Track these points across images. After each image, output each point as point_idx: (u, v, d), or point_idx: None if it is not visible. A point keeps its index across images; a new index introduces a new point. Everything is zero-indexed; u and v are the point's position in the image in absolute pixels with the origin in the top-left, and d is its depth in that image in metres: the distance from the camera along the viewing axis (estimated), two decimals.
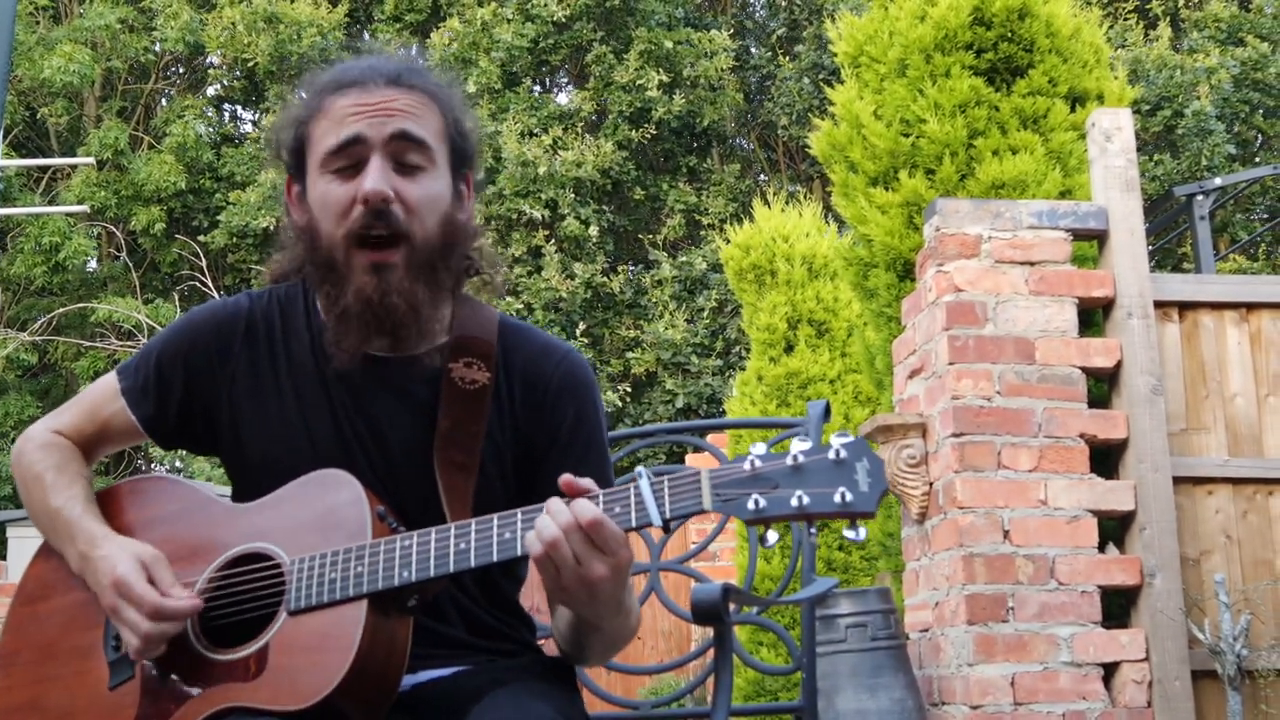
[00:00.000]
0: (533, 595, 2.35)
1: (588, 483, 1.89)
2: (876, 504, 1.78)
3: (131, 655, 2.01)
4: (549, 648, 2.29)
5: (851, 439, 1.82)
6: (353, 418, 2.15)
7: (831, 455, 1.81)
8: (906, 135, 5.82)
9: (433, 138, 2.14)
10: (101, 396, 2.28)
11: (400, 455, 2.13)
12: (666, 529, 1.88)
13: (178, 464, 17.93)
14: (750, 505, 1.80)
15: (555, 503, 1.87)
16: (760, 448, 1.84)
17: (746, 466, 1.82)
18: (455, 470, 2.11)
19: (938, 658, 5.00)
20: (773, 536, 1.81)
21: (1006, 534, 4.88)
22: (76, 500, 2.17)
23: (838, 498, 1.78)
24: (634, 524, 1.85)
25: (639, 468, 1.93)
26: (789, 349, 8.96)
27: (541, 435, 2.19)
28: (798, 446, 1.82)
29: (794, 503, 1.78)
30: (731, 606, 2.29)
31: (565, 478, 1.88)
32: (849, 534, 1.79)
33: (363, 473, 2.09)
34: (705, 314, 18.16)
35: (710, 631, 2.30)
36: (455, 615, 2.16)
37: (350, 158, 2.10)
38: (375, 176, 2.07)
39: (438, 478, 2.10)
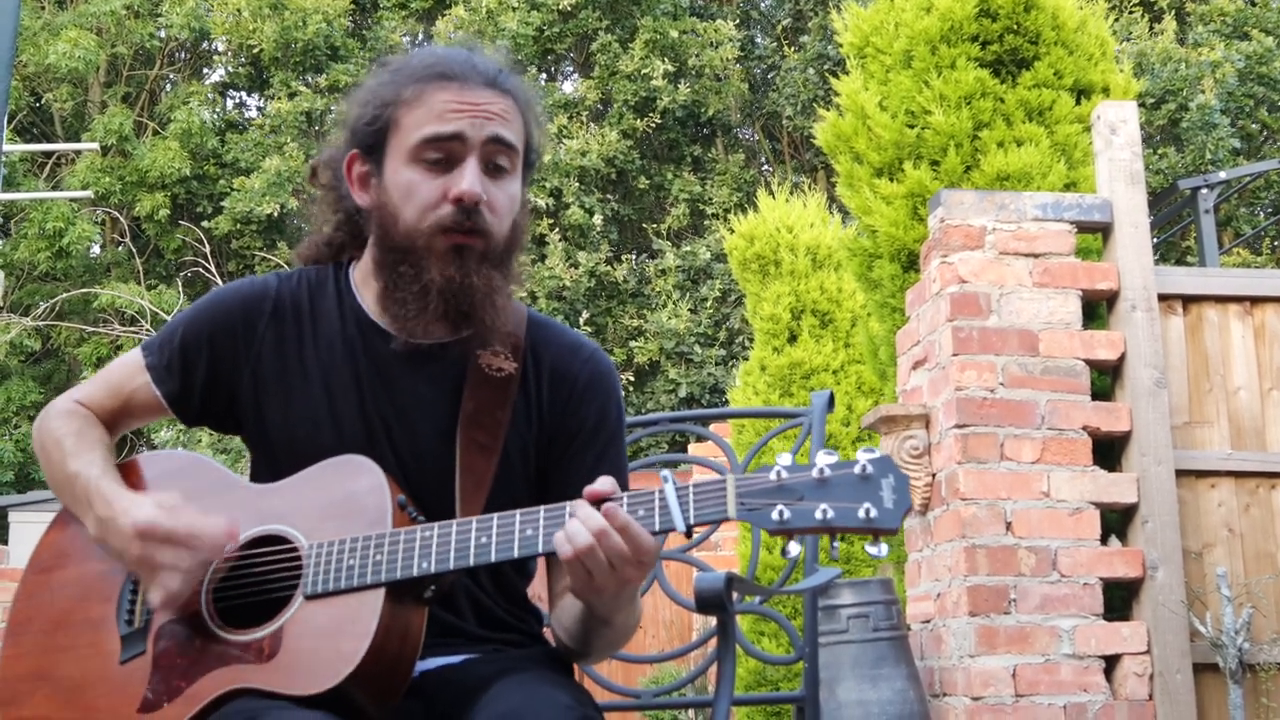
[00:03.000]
0: (536, 586, 2.35)
1: (610, 484, 1.90)
2: (900, 521, 1.79)
3: (165, 600, 1.99)
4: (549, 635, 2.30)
5: (878, 455, 1.83)
6: (380, 401, 2.16)
7: (858, 470, 1.81)
8: (912, 126, 5.81)
9: (519, 144, 2.18)
10: (126, 372, 2.27)
11: (425, 437, 2.15)
12: (689, 534, 1.89)
13: (179, 449, 17.92)
14: (775, 516, 1.81)
15: (584, 506, 1.88)
16: (786, 458, 1.84)
17: (772, 477, 1.83)
18: (477, 450, 2.12)
19: (939, 649, 5.00)
20: (795, 549, 1.82)
21: (1009, 525, 4.88)
22: (95, 464, 2.15)
23: (862, 513, 1.79)
24: (657, 528, 1.87)
25: (663, 472, 1.94)
26: (792, 339, 8.95)
27: (565, 429, 2.21)
28: (824, 460, 1.83)
29: (818, 516, 1.79)
30: (734, 596, 2.30)
31: (588, 490, 1.90)
32: (871, 550, 1.80)
33: (385, 455, 2.11)
34: (709, 304, 18.16)
35: (713, 621, 2.30)
36: (467, 606, 2.17)
37: (445, 152, 2.11)
38: (472, 178, 2.09)
39: (458, 456, 2.11)
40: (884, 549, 1.80)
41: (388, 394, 2.17)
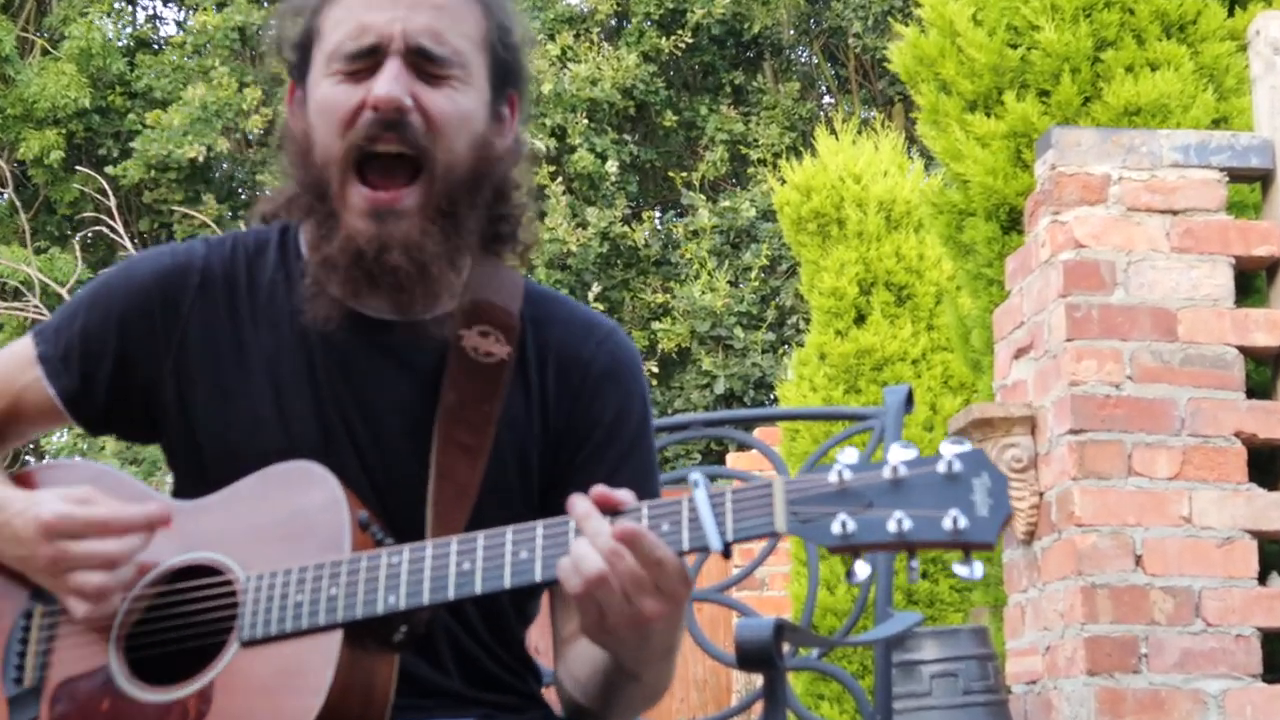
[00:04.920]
0: (532, 634, 2.34)
1: (625, 494, 1.89)
2: (997, 533, 1.76)
3: (87, 611, 2.00)
4: (550, 698, 2.29)
5: (968, 448, 1.80)
6: (339, 392, 2.16)
7: (942, 468, 1.78)
8: (1014, 46, 5.80)
9: (469, 46, 2.17)
10: (13, 365, 2.28)
11: (394, 437, 2.15)
12: (727, 554, 1.87)
13: (77, 459, 17.99)
14: (835, 529, 1.78)
15: (593, 519, 1.86)
16: (851, 454, 1.82)
17: (832, 478, 1.80)
18: (459, 453, 2.12)
19: (1049, 717, 4.99)
20: (863, 570, 1.79)
21: (1138, 560, 4.87)
22: None
23: (948, 523, 1.75)
24: (686, 547, 1.85)
25: (693, 474, 1.91)
26: (860, 319, 8.95)
27: (575, 429, 2.22)
28: (899, 455, 1.80)
29: (891, 527, 1.76)
30: (785, 648, 2.30)
31: (597, 490, 1.88)
32: (960, 570, 1.77)
33: (347, 461, 2.11)
34: (753, 274, 18.15)
35: (758, 680, 2.30)
36: (450, 657, 2.16)
37: (364, 58, 2.12)
38: (389, 79, 2.09)
39: (433, 459, 2.11)
40: (978, 570, 1.77)
41: (348, 385, 2.17)
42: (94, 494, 2.05)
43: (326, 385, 2.16)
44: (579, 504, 1.88)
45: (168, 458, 2.26)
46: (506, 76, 2.24)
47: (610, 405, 2.23)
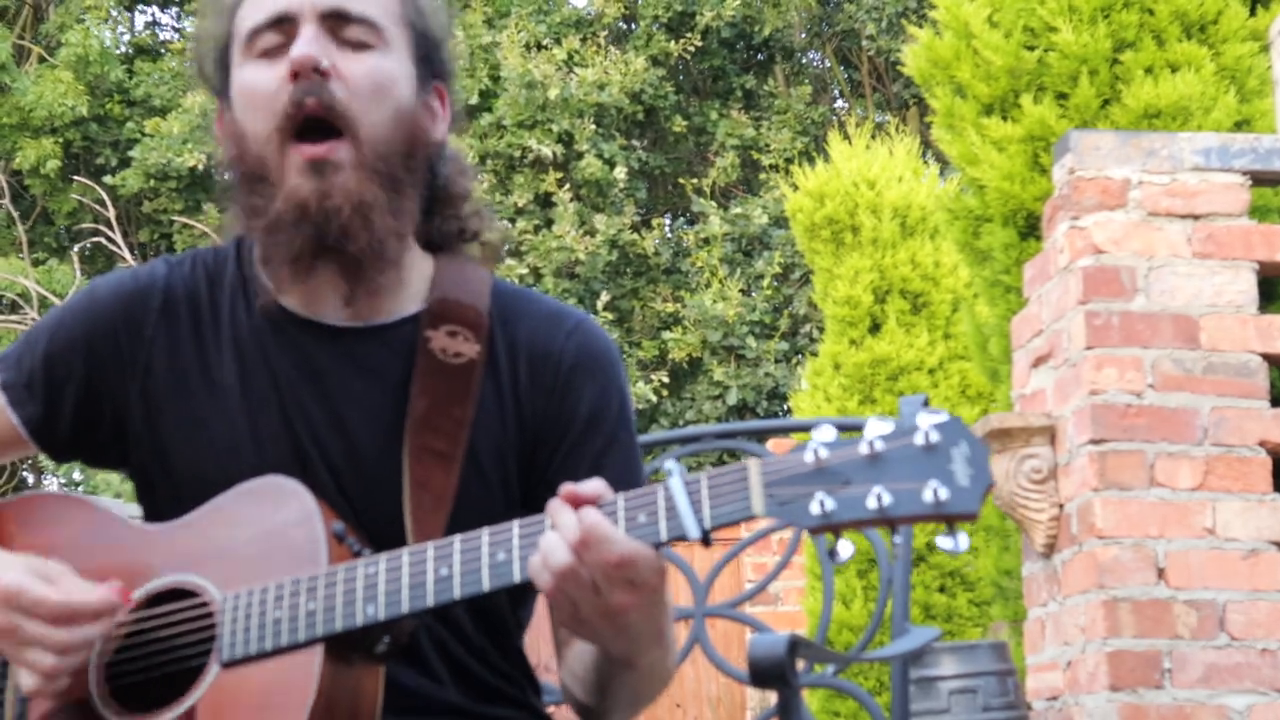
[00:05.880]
0: (539, 649, 2.34)
1: (596, 485, 1.88)
2: (980, 501, 1.74)
3: (39, 683, 1.99)
4: (560, 717, 2.29)
5: (945, 418, 1.78)
6: (305, 405, 2.16)
7: (919, 440, 1.77)
8: (1031, 48, 5.80)
9: (385, 17, 2.17)
10: None
11: (366, 447, 2.15)
12: (706, 542, 1.85)
13: (75, 475, 18.01)
14: (814, 508, 1.77)
15: (563, 513, 1.85)
16: (827, 431, 1.80)
17: (808, 458, 1.79)
18: (432, 460, 2.12)
19: None
20: (846, 549, 1.78)
21: (1161, 572, 4.87)
22: None
23: (928, 495, 1.74)
24: (664, 537, 1.83)
25: (668, 462, 1.90)
26: (875, 328, 8.96)
27: (551, 427, 2.21)
28: (875, 429, 1.78)
29: (871, 503, 1.75)
30: (800, 664, 2.30)
31: (566, 488, 1.87)
32: (945, 543, 1.76)
33: (319, 475, 2.11)
34: (765, 282, 18.17)
35: (772, 697, 2.30)
36: (441, 665, 2.15)
37: (276, 29, 2.13)
38: (304, 43, 2.09)
39: (405, 469, 2.11)
40: (963, 541, 1.76)
41: (317, 400, 2.16)
42: (60, 572, 2.03)
43: (293, 403, 2.16)
44: (552, 501, 1.88)
45: (136, 485, 2.25)
46: (430, 58, 2.24)
47: (585, 398, 2.22)
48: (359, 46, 2.14)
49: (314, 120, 2.09)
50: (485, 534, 1.91)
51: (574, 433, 2.21)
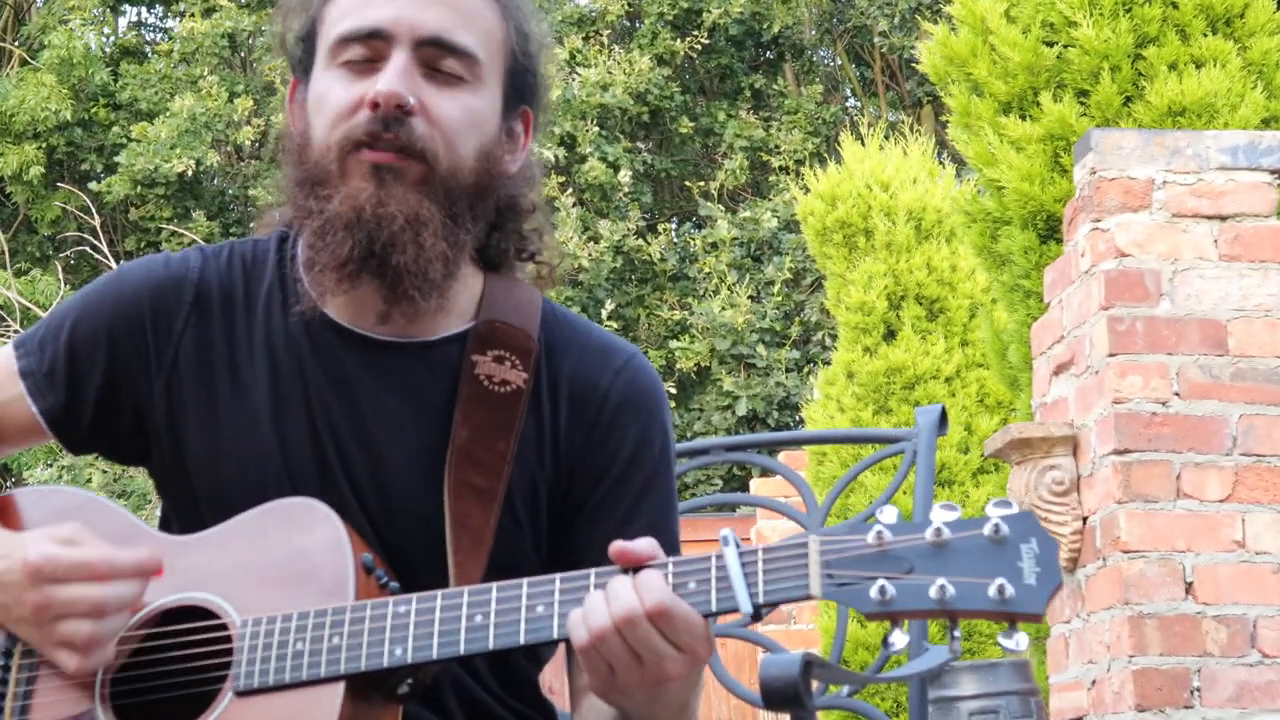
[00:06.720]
0: (547, 673, 2.33)
1: (648, 545, 1.87)
2: (1046, 604, 1.74)
3: (77, 664, 1.98)
4: None
5: (1015, 510, 1.79)
6: (333, 416, 2.13)
7: (988, 530, 1.77)
8: (1050, 44, 5.80)
9: (483, 48, 2.14)
10: None
11: (397, 472, 2.12)
12: (757, 618, 1.86)
13: (63, 485, 17.97)
14: (874, 594, 1.77)
15: (616, 580, 1.84)
16: (891, 513, 1.81)
17: (870, 539, 1.79)
18: (473, 498, 2.09)
19: None
20: (900, 639, 1.79)
21: (1189, 587, 4.86)
22: None
23: (994, 591, 1.74)
24: (714, 609, 1.84)
25: (724, 531, 1.88)
26: (890, 335, 8.96)
27: (590, 466, 2.18)
28: (941, 516, 1.79)
29: (934, 594, 1.75)
30: (814, 685, 2.29)
31: (616, 545, 1.86)
32: (1006, 643, 1.75)
33: (342, 496, 2.08)
34: (775, 289, 18.17)
35: (785, 719, 2.30)
36: (455, 705, 2.13)
37: (367, 52, 2.10)
38: (392, 75, 2.06)
39: (446, 506, 2.08)
40: (1022, 641, 1.75)
41: (344, 408, 2.14)
42: (82, 533, 2.02)
43: (321, 413, 2.13)
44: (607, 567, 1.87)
45: (156, 483, 2.24)
46: (522, 88, 2.22)
47: (629, 439, 2.19)
48: (451, 81, 2.11)
49: (388, 143, 2.07)
50: (525, 585, 1.90)
51: (614, 472, 2.18)
